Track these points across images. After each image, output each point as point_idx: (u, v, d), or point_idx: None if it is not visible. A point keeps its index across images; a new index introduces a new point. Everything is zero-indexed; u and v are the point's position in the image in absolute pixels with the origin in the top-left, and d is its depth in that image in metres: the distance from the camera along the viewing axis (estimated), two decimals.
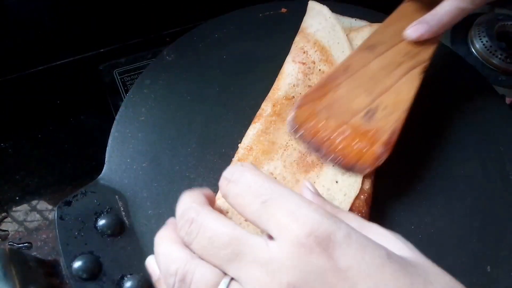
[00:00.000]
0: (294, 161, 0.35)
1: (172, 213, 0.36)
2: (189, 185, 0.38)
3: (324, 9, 0.43)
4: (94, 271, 0.32)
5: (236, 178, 0.25)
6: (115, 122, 0.40)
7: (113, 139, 0.39)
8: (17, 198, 0.45)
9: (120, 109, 0.41)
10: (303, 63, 0.40)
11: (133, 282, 0.33)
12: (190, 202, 0.26)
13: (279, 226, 0.22)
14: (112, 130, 0.40)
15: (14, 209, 0.45)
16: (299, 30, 0.43)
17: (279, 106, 0.38)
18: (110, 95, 0.52)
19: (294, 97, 0.38)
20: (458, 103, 0.45)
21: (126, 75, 0.53)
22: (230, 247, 0.23)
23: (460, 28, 0.64)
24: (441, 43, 0.43)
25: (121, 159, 0.39)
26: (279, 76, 0.40)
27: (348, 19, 0.45)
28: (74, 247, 0.33)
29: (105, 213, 0.35)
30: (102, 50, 0.58)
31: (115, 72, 0.54)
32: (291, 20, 0.46)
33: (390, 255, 0.22)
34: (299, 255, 0.21)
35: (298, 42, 0.42)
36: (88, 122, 0.53)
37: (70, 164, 0.48)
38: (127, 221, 0.36)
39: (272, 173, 0.35)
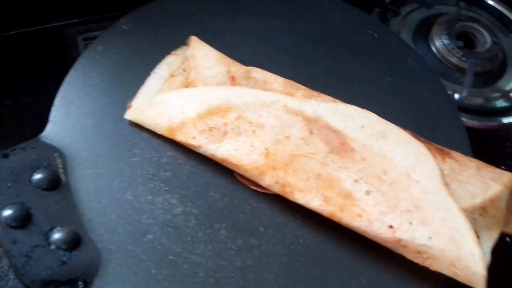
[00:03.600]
0: None
1: (110, 174, 0.37)
2: (130, 148, 0.39)
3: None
4: (23, 221, 0.33)
5: None
6: (63, 83, 0.41)
7: (60, 100, 0.40)
8: None
9: (70, 72, 0.42)
10: None
11: (62, 234, 0.33)
12: None
13: None
14: (60, 91, 0.41)
15: None
16: None
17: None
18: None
19: None
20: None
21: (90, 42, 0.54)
22: None
23: (423, 26, 0.65)
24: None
25: (65, 119, 0.39)
26: None
27: None
28: (6, 197, 0.34)
29: (42, 168, 0.36)
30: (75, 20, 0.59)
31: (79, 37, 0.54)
32: None
33: None
34: None
35: None
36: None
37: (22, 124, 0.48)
38: (63, 178, 0.37)
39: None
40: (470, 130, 0.57)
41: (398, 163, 0.37)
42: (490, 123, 0.59)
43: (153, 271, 0.34)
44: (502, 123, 0.58)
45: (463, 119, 0.57)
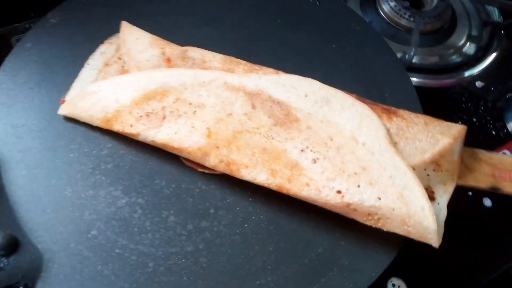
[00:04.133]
0: None
1: (46, 173, 0.35)
2: (67, 144, 0.37)
3: None
4: None
5: None
6: None
7: None
8: None
9: None
10: None
11: None
12: None
13: None
14: None
15: None
16: None
17: None
18: None
19: None
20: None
21: None
22: None
23: None
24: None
25: None
26: None
27: None
28: None
29: None
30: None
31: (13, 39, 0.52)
32: None
33: None
34: None
35: None
36: None
37: None
38: None
39: None
40: (428, 90, 0.58)
41: (343, 127, 0.36)
42: (447, 80, 0.59)
43: (99, 267, 0.32)
44: (459, 78, 0.58)
45: (420, 79, 0.57)
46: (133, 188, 0.36)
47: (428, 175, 0.37)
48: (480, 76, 0.60)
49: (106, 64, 0.41)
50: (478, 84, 0.60)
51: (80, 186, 0.36)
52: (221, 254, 0.34)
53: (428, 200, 0.32)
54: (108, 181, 0.36)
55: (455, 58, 0.61)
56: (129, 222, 0.35)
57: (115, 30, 0.43)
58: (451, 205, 0.36)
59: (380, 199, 0.32)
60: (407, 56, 0.54)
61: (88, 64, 0.41)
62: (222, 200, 0.36)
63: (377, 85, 0.45)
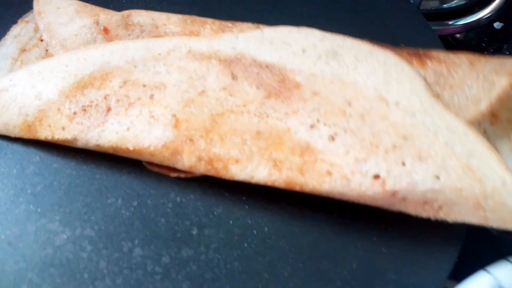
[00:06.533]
0: None
1: None
2: None
3: None
4: None
5: None
6: None
7: None
8: None
9: None
10: None
11: None
12: None
13: None
14: None
15: None
16: None
17: None
18: None
19: None
20: None
21: None
22: None
23: None
24: None
25: None
26: None
27: None
28: None
29: None
30: None
31: None
32: None
33: None
34: None
35: None
36: None
37: None
38: None
39: None
40: (443, 39, 0.48)
41: (363, 85, 0.25)
42: (460, 24, 0.49)
43: None
44: (473, 20, 0.49)
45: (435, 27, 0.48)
46: (76, 215, 0.25)
47: (485, 131, 0.27)
48: (497, 16, 0.51)
49: (23, 50, 0.30)
50: (497, 25, 0.51)
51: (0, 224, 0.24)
52: None
53: (509, 168, 0.22)
54: (39, 210, 0.25)
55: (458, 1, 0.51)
56: (75, 266, 0.23)
57: (29, 5, 0.32)
58: None
59: (438, 178, 0.22)
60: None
61: None
62: (207, 213, 0.26)
63: (389, 34, 0.34)
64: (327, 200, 0.25)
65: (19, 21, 0.31)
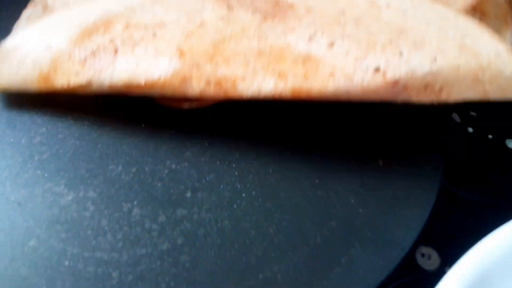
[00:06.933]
0: None
1: None
2: None
3: None
4: None
5: None
6: None
7: None
8: None
9: None
10: None
11: None
12: None
13: None
14: None
15: None
16: None
17: None
18: None
19: None
20: None
21: None
22: None
23: None
24: None
25: None
26: None
27: None
28: None
29: None
30: None
31: None
32: None
33: None
34: None
35: None
36: None
37: None
38: None
39: None
40: None
41: None
42: None
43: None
44: None
45: None
46: (80, 180, 0.27)
47: None
48: None
49: None
50: None
51: (9, 186, 0.27)
52: (208, 248, 0.26)
53: (502, 39, 0.24)
54: (46, 175, 0.27)
55: None
56: (79, 224, 0.26)
57: None
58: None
59: (435, 60, 0.24)
60: None
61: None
62: (200, 179, 0.28)
63: None
64: (310, 166, 0.27)
65: (28, 5, 0.34)
